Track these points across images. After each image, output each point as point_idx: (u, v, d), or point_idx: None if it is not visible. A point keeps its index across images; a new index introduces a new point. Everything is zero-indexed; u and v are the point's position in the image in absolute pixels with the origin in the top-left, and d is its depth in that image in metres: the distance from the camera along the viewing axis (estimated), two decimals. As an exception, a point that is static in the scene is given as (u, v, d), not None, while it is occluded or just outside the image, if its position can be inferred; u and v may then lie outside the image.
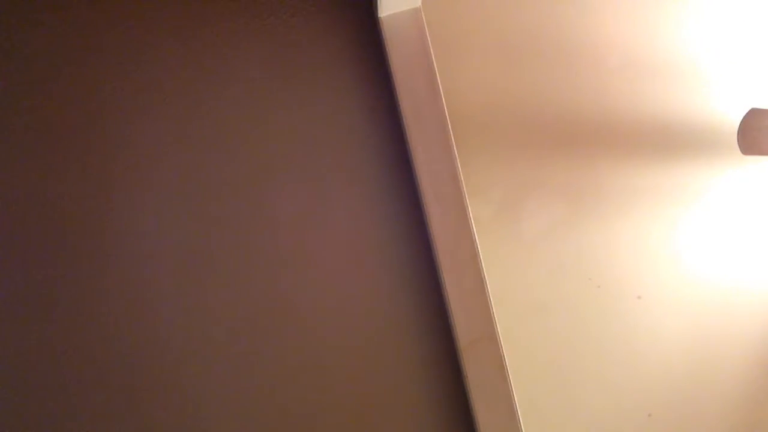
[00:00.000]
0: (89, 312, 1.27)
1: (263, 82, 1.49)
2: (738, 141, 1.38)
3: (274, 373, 1.43)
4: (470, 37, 1.51)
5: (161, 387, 1.41)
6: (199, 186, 1.30)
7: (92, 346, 1.27)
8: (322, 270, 1.45)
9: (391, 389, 1.47)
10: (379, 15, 1.47)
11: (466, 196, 1.42)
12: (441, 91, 1.45)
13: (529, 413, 1.39)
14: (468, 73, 1.49)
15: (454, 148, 1.44)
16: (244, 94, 1.47)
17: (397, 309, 1.48)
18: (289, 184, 1.32)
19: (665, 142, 1.49)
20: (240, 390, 1.42)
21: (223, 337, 1.30)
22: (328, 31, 1.53)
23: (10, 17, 1.32)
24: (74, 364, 1.26)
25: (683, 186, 1.49)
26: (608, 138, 1.50)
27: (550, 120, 1.49)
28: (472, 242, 1.42)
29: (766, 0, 1.52)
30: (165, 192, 1.30)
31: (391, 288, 1.48)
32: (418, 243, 1.47)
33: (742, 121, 1.37)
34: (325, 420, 1.45)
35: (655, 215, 1.48)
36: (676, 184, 1.49)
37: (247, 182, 1.31)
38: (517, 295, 1.45)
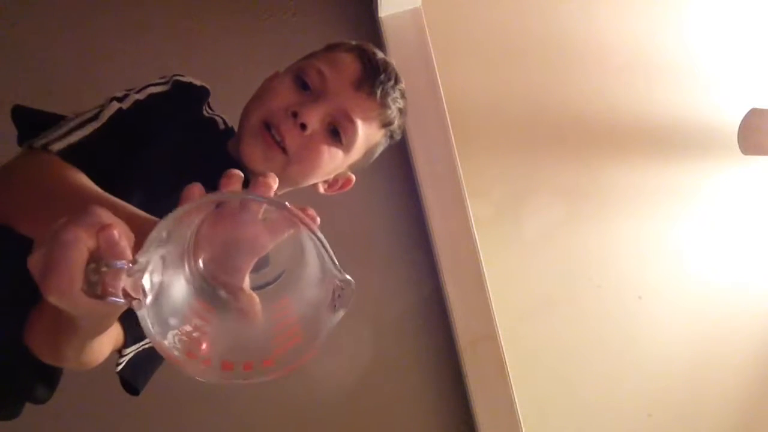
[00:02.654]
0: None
1: (262, 81, 1.49)
2: (738, 141, 1.38)
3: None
4: (470, 37, 1.51)
5: (164, 388, 1.41)
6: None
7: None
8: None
9: (391, 389, 1.47)
10: (379, 15, 1.47)
11: (467, 196, 1.42)
12: (441, 91, 1.44)
13: (529, 413, 1.39)
14: (468, 73, 1.49)
15: (454, 148, 1.44)
16: (244, 93, 1.46)
17: (397, 309, 1.47)
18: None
19: (666, 142, 1.49)
20: (242, 386, 1.42)
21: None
22: (328, 32, 1.53)
23: None
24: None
25: (683, 186, 1.49)
26: (608, 138, 1.49)
27: (550, 120, 1.49)
28: (472, 242, 1.42)
29: (766, 0, 1.52)
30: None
31: (391, 288, 1.47)
32: (419, 243, 1.47)
33: (742, 121, 1.36)
34: (326, 418, 1.45)
35: (656, 215, 1.48)
36: (677, 183, 1.49)
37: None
38: (517, 295, 1.45)
